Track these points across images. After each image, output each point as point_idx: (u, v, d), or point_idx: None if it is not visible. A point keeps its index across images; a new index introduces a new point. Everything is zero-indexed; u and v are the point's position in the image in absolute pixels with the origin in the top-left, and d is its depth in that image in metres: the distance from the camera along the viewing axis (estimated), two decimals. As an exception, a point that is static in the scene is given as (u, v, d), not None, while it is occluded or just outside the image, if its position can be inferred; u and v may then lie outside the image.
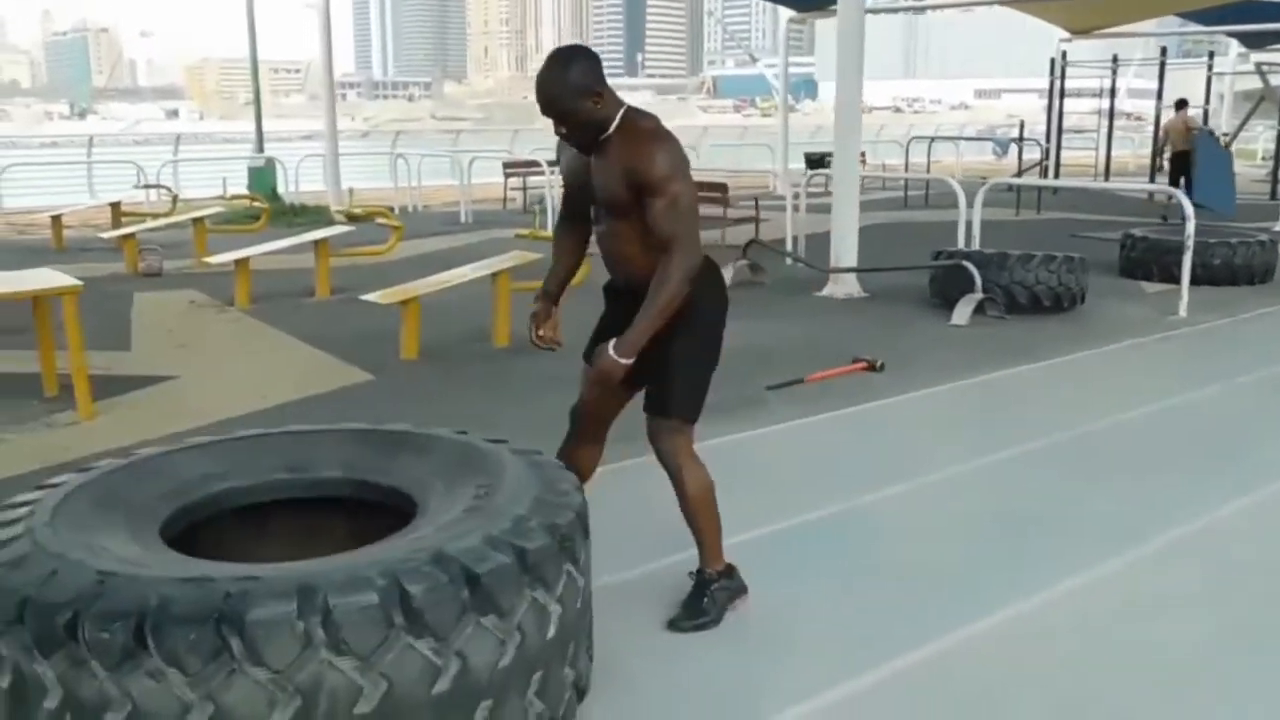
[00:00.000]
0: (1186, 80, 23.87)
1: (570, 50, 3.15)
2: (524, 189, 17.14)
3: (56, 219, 12.93)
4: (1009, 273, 8.31)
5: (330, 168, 15.30)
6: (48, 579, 2.39)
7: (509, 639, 2.50)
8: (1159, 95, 17.80)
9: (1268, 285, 9.88)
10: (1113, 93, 19.45)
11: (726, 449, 4.84)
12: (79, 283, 5.70)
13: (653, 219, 3.07)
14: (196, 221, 11.30)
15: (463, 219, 15.55)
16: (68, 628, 2.29)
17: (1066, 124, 19.38)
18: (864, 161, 18.24)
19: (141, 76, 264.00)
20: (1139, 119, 36.81)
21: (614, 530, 3.52)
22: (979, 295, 8.16)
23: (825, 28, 22.57)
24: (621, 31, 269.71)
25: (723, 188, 11.65)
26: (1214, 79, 21.87)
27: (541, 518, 2.70)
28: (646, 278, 3.11)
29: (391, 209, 15.56)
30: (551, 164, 14.94)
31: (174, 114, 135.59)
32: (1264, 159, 25.26)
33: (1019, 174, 17.46)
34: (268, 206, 14.40)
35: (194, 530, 3.02)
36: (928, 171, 18.73)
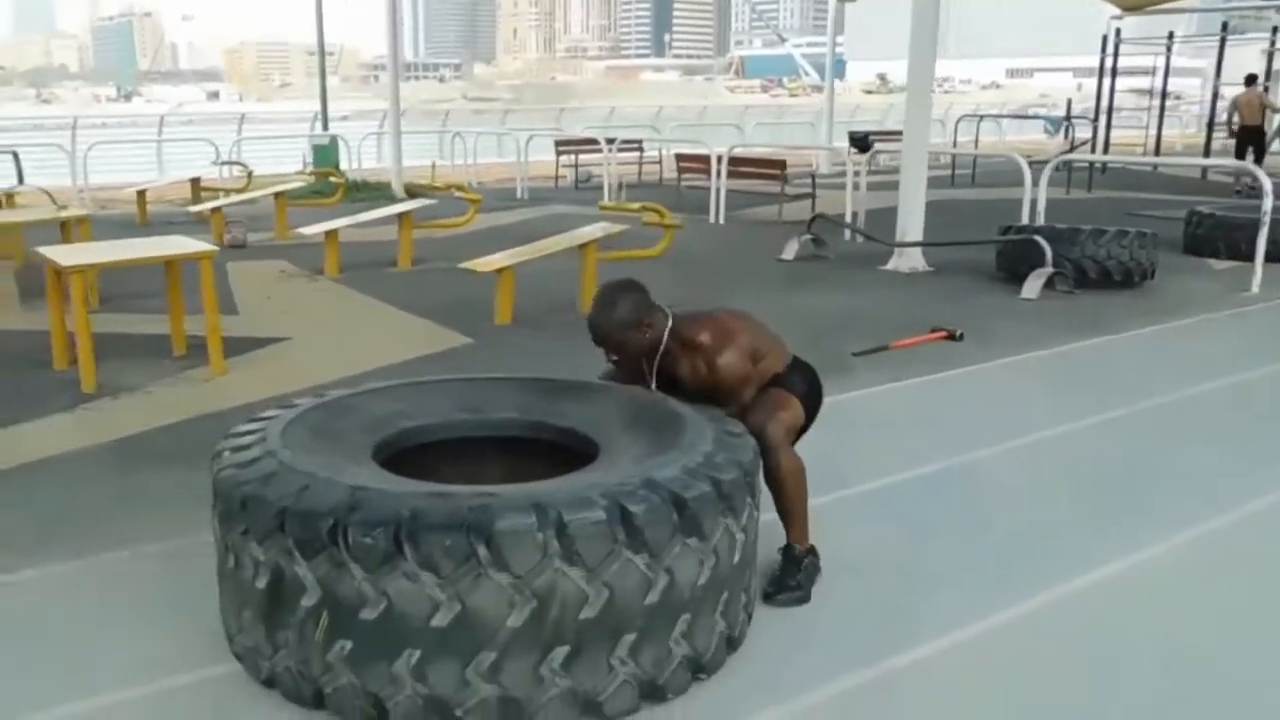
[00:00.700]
0: (1235, 57, 23.77)
1: (615, 289, 3.38)
2: (575, 165, 17.42)
3: (141, 194, 13.28)
4: (1080, 247, 8.51)
5: (393, 145, 15.61)
6: (303, 492, 2.68)
7: (707, 560, 2.78)
8: (1218, 71, 17.85)
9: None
10: (1166, 71, 19.47)
11: (821, 409, 5.12)
12: (214, 248, 6.05)
13: (735, 417, 3.33)
14: (279, 196, 11.64)
15: (519, 195, 15.84)
16: (330, 534, 2.57)
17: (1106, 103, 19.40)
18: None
19: (182, 60, 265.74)
20: (1177, 98, 36.68)
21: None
22: (1049, 270, 8.38)
23: (854, 9, 22.72)
24: (649, 12, 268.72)
25: (781, 164, 11.91)
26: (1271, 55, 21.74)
27: (727, 454, 2.96)
28: None
29: (468, 184, 15.87)
30: (609, 141, 15.24)
31: (214, 96, 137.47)
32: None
33: (1070, 151, 17.58)
34: (343, 181, 14.82)
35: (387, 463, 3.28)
36: (975, 149, 18.86)
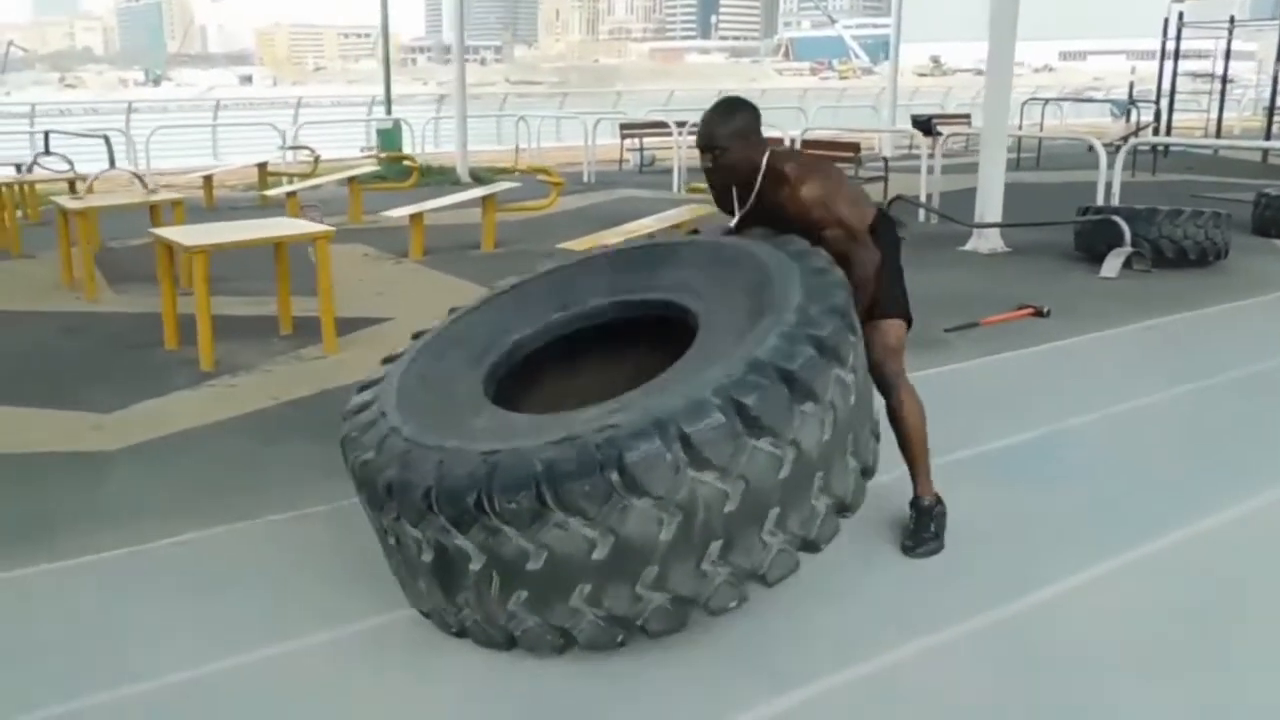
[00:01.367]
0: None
1: (737, 100, 3.51)
2: (640, 149, 17.55)
3: (208, 179, 13.57)
4: (1157, 227, 8.58)
5: (458, 130, 15.84)
6: (440, 469, 2.76)
7: (825, 416, 2.84)
8: (1279, 55, 17.71)
9: None
10: (1227, 54, 19.35)
11: (920, 382, 5.28)
12: (331, 228, 6.27)
13: (829, 244, 3.38)
14: (351, 180, 11.88)
15: (585, 179, 16.02)
16: (477, 507, 2.69)
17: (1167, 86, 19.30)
18: (970, 124, 18.46)
19: (212, 43, 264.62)
20: (1231, 81, 36.22)
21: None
22: (1128, 249, 8.47)
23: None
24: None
25: (855, 147, 12.01)
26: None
27: (819, 303, 2.96)
28: None
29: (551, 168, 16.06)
30: (680, 124, 15.33)
31: (247, 80, 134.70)
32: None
33: (1135, 134, 17.52)
34: (417, 165, 15.05)
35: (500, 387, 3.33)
36: (1040, 132, 18.82)
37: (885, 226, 3.59)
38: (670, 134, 15.47)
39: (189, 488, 4.32)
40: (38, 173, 12.31)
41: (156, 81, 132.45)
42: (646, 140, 17.38)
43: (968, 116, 19.84)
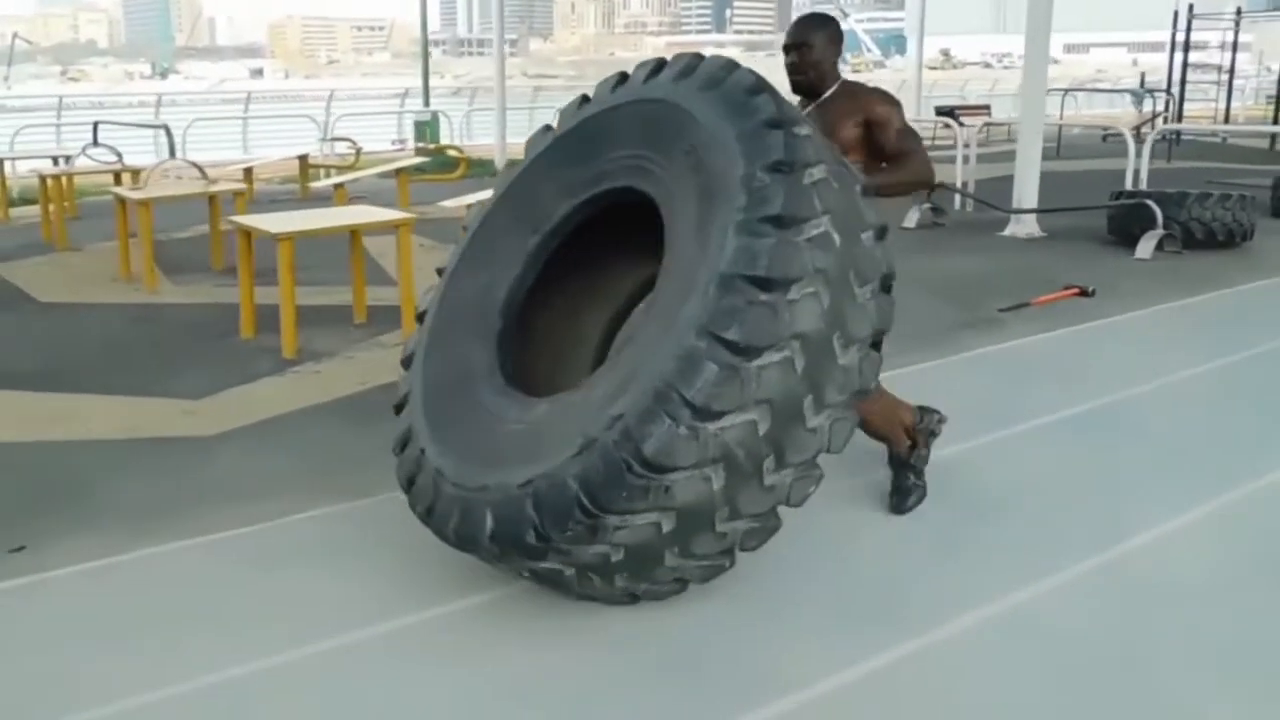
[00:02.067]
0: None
1: (830, 16, 3.75)
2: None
3: (248, 171, 13.78)
4: (1186, 210, 8.87)
5: (498, 121, 16.06)
6: (492, 515, 2.83)
7: (815, 286, 2.70)
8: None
9: None
10: (1235, 46, 19.64)
11: (983, 359, 5.60)
12: (411, 216, 6.47)
13: (887, 142, 3.55)
14: (399, 172, 12.09)
15: (618, 169, 16.20)
16: (539, 540, 2.76)
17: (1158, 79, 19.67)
18: (989, 115, 18.73)
19: (220, 35, 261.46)
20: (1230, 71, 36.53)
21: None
22: (1160, 232, 8.75)
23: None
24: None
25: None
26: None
27: (760, 159, 2.77)
28: None
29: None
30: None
31: (258, 73, 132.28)
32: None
33: (1150, 122, 17.82)
34: (464, 157, 15.20)
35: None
36: (1061, 122, 19.10)
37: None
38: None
39: (297, 469, 4.38)
40: (82, 163, 12.35)
41: (164, 75, 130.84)
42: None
43: (987, 107, 20.14)
